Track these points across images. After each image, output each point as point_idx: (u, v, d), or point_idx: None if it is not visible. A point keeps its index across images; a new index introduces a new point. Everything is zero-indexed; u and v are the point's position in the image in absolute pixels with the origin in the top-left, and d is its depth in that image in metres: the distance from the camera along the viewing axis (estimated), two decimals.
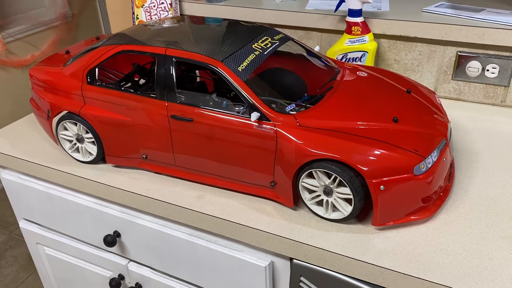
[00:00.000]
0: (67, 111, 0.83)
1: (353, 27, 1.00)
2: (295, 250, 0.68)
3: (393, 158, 0.64)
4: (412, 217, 0.68)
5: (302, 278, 0.70)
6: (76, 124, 0.83)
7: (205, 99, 0.75)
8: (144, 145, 0.80)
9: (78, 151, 0.87)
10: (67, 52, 0.95)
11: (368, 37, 1.00)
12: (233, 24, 0.87)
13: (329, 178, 0.66)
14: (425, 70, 1.04)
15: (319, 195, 0.69)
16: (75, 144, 0.86)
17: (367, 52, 1.00)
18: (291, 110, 0.71)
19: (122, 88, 0.80)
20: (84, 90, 0.81)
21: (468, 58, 0.98)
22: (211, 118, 0.72)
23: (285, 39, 0.84)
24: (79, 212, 0.91)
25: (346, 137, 0.66)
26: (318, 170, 0.66)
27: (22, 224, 1.05)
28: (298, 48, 0.90)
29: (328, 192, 0.68)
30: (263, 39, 0.80)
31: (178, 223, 0.80)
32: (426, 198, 0.68)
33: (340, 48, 1.02)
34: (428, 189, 0.67)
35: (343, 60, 1.02)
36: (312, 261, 0.67)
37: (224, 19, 0.92)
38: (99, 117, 0.80)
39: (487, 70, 0.98)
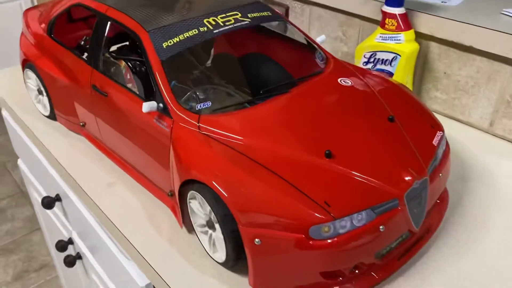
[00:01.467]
0: (28, 59, 0.79)
1: (387, 19, 0.76)
2: (159, 284, 0.54)
3: (284, 204, 0.45)
4: None
5: None
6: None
7: (122, 75, 0.63)
8: (81, 111, 0.72)
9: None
10: None
11: (404, 35, 0.75)
12: None
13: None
14: (482, 94, 0.75)
15: (205, 225, 0.53)
16: (38, 95, 0.81)
17: (399, 55, 0.76)
18: (202, 109, 0.55)
19: (66, 46, 0.72)
20: (43, 41, 0.75)
21: None
22: (122, 98, 0.60)
23: (263, 19, 0.66)
24: (35, 160, 0.88)
25: (238, 160, 0.48)
26: (199, 195, 0.50)
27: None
28: (290, 32, 0.71)
29: (211, 225, 0.52)
30: (227, 14, 0.64)
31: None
32: (331, 274, 0.47)
33: (370, 44, 0.79)
34: (330, 264, 0.46)
35: (371, 60, 0.79)
36: None
37: None
38: (47, 72, 0.74)
39: None
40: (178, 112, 0.54)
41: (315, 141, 0.51)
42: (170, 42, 0.58)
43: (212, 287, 0.51)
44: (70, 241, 0.90)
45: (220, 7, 0.64)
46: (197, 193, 0.50)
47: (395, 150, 0.52)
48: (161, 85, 0.55)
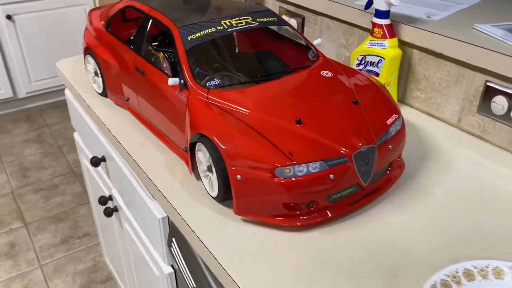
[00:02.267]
0: (89, 47, 1.00)
1: (375, 28, 0.92)
2: (172, 214, 0.72)
3: (259, 152, 0.63)
4: (276, 219, 0.65)
5: (173, 239, 0.74)
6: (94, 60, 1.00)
7: (158, 59, 0.83)
8: (125, 89, 0.92)
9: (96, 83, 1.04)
10: None
11: (388, 42, 0.91)
12: (228, 1, 0.91)
13: None
14: (451, 94, 0.90)
15: (206, 170, 0.71)
16: (94, 76, 1.03)
17: (384, 58, 0.92)
18: (211, 85, 0.74)
19: (119, 38, 0.93)
20: (101, 34, 0.97)
21: (495, 92, 0.82)
22: (156, 76, 0.80)
23: (269, 23, 0.84)
24: (88, 129, 1.10)
25: (232, 121, 0.66)
26: (203, 146, 0.69)
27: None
28: (291, 34, 0.89)
29: (210, 170, 0.70)
30: (240, 18, 0.82)
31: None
32: (291, 207, 0.64)
33: (362, 49, 0.95)
34: (289, 197, 0.63)
35: (362, 62, 0.96)
36: (179, 228, 0.71)
37: None
38: (103, 57, 0.95)
39: None
40: (194, 87, 0.73)
41: (291, 112, 0.68)
42: (194, 36, 0.78)
43: (207, 214, 0.69)
44: (110, 198, 1.11)
45: (236, 12, 0.83)
46: (201, 144, 0.69)
47: (352, 123, 0.68)
48: (184, 66, 0.75)
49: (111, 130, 0.91)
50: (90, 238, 1.86)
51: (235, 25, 0.81)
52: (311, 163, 0.63)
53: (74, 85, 1.09)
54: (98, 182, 1.20)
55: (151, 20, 0.85)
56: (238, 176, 0.63)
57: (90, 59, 1.01)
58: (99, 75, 0.99)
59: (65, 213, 1.99)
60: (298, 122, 0.66)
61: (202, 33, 0.78)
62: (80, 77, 1.12)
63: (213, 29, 0.79)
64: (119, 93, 0.95)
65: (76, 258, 1.77)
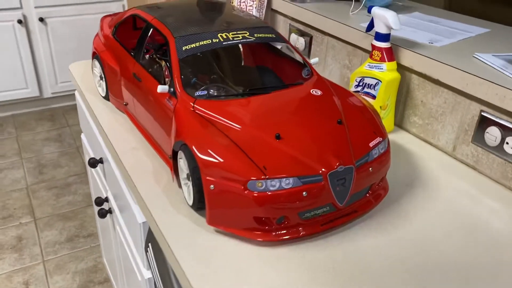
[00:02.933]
0: (96, 52, 1.04)
1: (374, 51, 0.92)
2: (149, 218, 0.73)
3: (233, 163, 0.63)
4: (246, 232, 0.65)
5: (149, 245, 0.75)
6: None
7: (154, 67, 0.85)
8: (125, 94, 0.95)
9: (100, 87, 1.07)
10: None
11: (386, 65, 0.91)
12: (233, 15, 0.93)
13: None
14: (447, 122, 0.88)
15: (186, 178, 0.72)
16: (99, 80, 1.06)
17: (380, 81, 0.91)
18: (198, 95, 0.75)
19: (122, 44, 0.96)
20: (108, 40, 1.00)
21: (489, 122, 0.80)
22: (150, 83, 0.82)
23: (266, 39, 0.85)
24: (91, 131, 1.13)
25: (212, 132, 0.67)
26: (183, 154, 0.70)
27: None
28: (290, 52, 0.90)
29: (189, 178, 0.71)
30: (238, 32, 0.84)
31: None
32: (262, 221, 0.64)
33: (361, 70, 0.95)
34: (260, 211, 0.63)
35: (360, 84, 0.95)
36: (154, 233, 0.72)
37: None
38: (107, 62, 0.98)
39: (507, 143, 0.78)
40: (181, 95, 0.74)
41: (272, 126, 0.68)
42: (188, 47, 0.79)
43: (181, 222, 0.69)
44: (106, 199, 1.13)
45: (235, 26, 0.85)
46: (182, 152, 0.70)
47: (332, 142, 0.68)
48: (175, 75, 0.76)
49: (106, 132, 0.93)
50: (94, 239, 1.89)
51: (231, 38, 0.82)
52: (284, 179, 0.63)
53: (81, 87, 1.12)
54: (98, 183, 1.23)
55: (151, 29, 0.87)
56: (212, 186, 0.64)
57: (96, 63, 1.04)
58: (104, 78, 1.02)
59: (73, 212, 2.03)
60: (278, 137, 0.66)
61: (197, 44, 0.80)
62: (88, 80, 1.15)
63: (208, 41, 0.81)
64: (119, 98, 0.98)
65: (79, 257, 1.80)
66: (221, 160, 0.64)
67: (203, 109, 0.72)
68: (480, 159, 0.84)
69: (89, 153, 1.28)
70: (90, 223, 1.97)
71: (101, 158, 1.07)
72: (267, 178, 0.62)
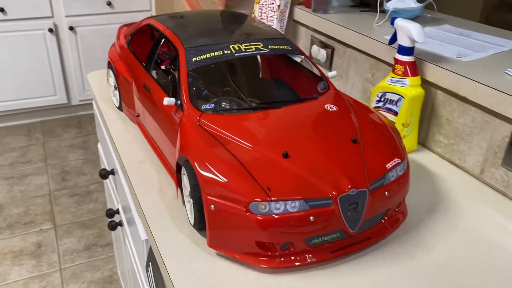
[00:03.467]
0: (111, 61, 1.02)
1: (397, 65, 0.87)
2: (149, 236, 0.70)
3: (236, 183, 0.59)
4: (248, 257, 0.61)
5: (150, 264, 0.71)
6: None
7: (165, 78, 0.82)
8: (136, 105, 0.92)
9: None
10: None
11: (409, 80, 0.85)
12: (250, 26, 0.89)
13: None
14: (475, 143, 0.82)
15: (188, 195, 0.68)
16: (114, 90, 1.04)
17: (403, 97, 0.86)
18: (205, 109, 0.71)
19: (135, 54, 0.94)
20: (122, 49, 0.99)
21: None
22: (158, 95, 0.79)
23: (281, 51, 0.81)
24: (105, 141, 1.11)
25: (216, 148, 0.63)
26: (185, 170, 0.66)
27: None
28: (307, 64, 0.86)
29: (191, 195, 0.67)
30: (251, 43, 0.80)
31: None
32: (265, 246, 0.60)
33: (382, 85, 0.90)
34: (263, 235, 0.58)
35: (382, 99, 0.90)
36: (154, 252, 0.68)
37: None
38: (121, 72, 0.96)
39: None
40: (188, 108, 0.71)
41: (279, 144, 0.64)
42: (198, 58, 0.76)
43: (181, 242, 0.65)
44: (117, 211, 1.11)
45: (248, 38, 0.81)
46: (184, 168, 0.66)
47: (345, 163, 0.63)
48: (183, 87, 0.73)
49: (116, 143, 0.91)
50: (111, 248, 1.87)
51: (243, 50, 0.79)
52: (289, 201, 0.58)
53: (97, 97, 1.11)
54: (111, 194, 1.21)
55: (163, 39, 0.84)
56: (212, 206, 0.60)
57: (111, 73, 1.03)
58: (117, 88, 1.01)
59: (93, 220, 2.03)
60: (285, 155, 0.62)
61: (207, 55, 0.77)
62: (105, 90, 1.14)
63: (219, 52, 0.77)
64: (132, 108, 0.96)
65: (95, 266, 1.79)
66: (223, 178, 0.60)
67: (208, 123, 0.68)
68: (511, 184, 0.77)
69: (104, 163, 1.26)
70: (108, 232, 1.96)
71: (112, 169, 1.05)
72: (271, 200, 0.58)
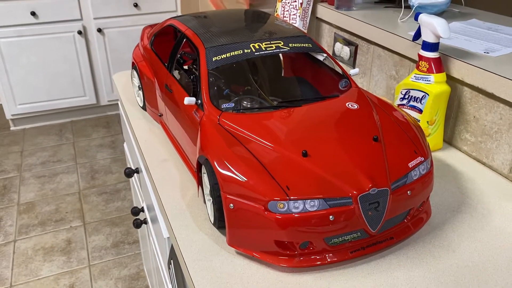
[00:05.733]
0: (135, 62, 1.04)
1: (421, 61, 0.85)
2: (171, 234, 0.71)
3: (255, 182, 0.59)
4: (267, 256, 0.60)
5: (171, 261, 0.72)
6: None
7: (186, 78, 0.83)
8: (160, 104, 0.94)
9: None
10: None
11: (434, 77, 0.83)
12: (271, 25, 0.89)
13: None
14: (503, 140, 0.79)
15: (209, 194, 0.69)
16: (138, 90, 1.06)
17: (428, 94, 0.84)
18: (225, 108, 0.72)
19: (158, 55, 0.95)
20: (145, 50, 1.00)
21: None
22: (179, 94, 0.80)
23: (302, 49, 0.81)
24: (130, 141, 1.13)
25: (236, 147, 0.64)
26: (205, 169, 0.67)
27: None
28: (329, 62, 0.85)
29: (211, 194, 0.67)
30: (271, 42, 0.80)
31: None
32: (284, 245, 0.59)
33: (406, 82, 0.88)
34: (281, 235, 0.58)
35: (406, 97, 0.88)
36: (175, 250, 0.69)
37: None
38: (144, 72, 0.98)
39: None
40: (208, 108, 0.71)
41: (299, 143, 0.64)
42: (219, 57, 0.77)
43: (202, 240, 0.66)
44: (142, 209, 1.12)
45: (269, 36, 0.81)
46: (204, 166, 0.67)
47: (366, 161, 0.62)
48: (203, 87, 0.74)
49: (140, 142, 0.92)
50: (138, 246, 1.91)
51: (264, 48, 0.79)
52: (309, 200, 0.58)
53: (122, 97, 1.13)
54: (137, 192, 1.23)
55: (184, 39, 0.85)
56: (231, 205, 0.60)
57: (135, 73, 1.04)
58: (141, 89, 1.02)
59: (120, 218, 2.07)
60: (305, 154, 0.62)
61: (228, 54, 0.77)
62: (130, 90, 1.16)
63: (239, 52, 0.78)
64: (155, 108, 0.97)
65: (122, 263, 1.82)
66: (242, 177, 0.60)
67: (228, 123, 0.68)
68: None
69: (130, 162, 1.28)
70: (135, 230, 1.99)
71: (137, 168, 1.07)
72: (290, 199, 0.57)
